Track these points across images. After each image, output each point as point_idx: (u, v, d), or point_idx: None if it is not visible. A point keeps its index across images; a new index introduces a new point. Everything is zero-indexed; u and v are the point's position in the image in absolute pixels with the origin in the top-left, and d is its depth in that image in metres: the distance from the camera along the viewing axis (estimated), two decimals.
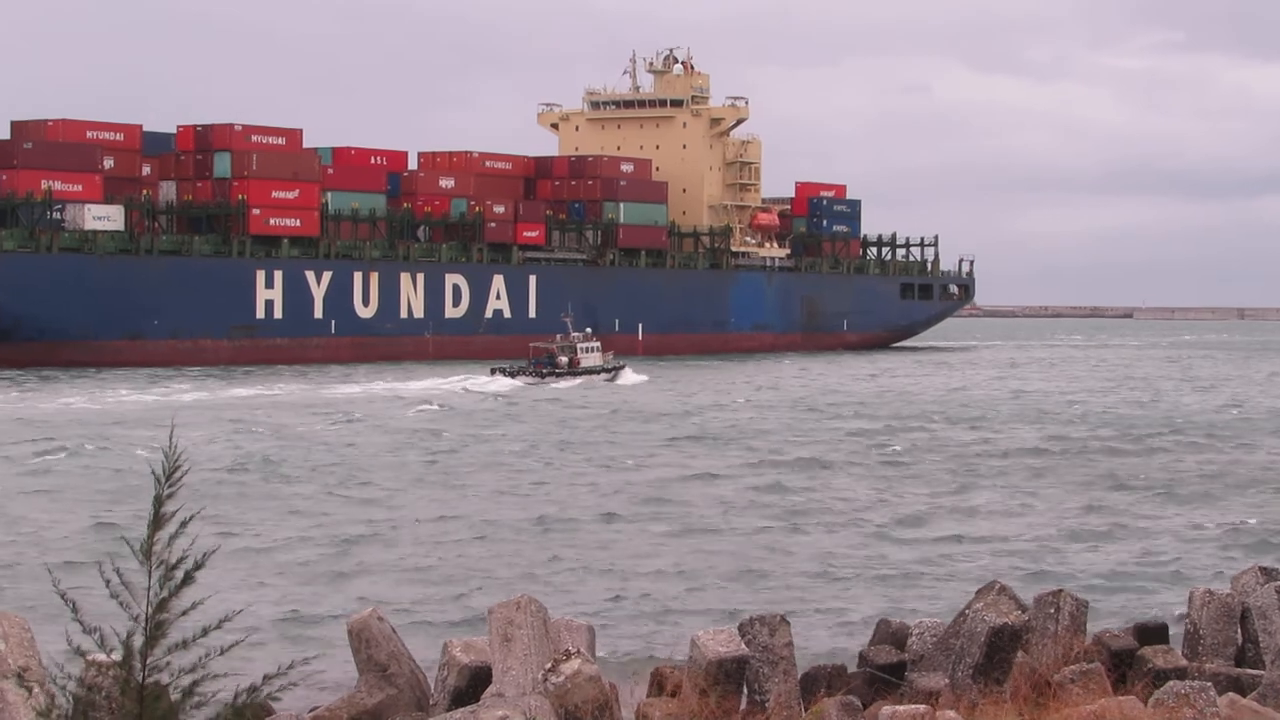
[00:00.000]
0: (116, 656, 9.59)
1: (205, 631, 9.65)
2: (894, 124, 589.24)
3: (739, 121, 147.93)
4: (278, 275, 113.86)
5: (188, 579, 9.65)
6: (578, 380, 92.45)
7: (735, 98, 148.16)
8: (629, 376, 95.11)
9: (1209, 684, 17.02)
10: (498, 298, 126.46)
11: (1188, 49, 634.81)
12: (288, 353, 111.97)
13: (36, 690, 13.12)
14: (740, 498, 44.77)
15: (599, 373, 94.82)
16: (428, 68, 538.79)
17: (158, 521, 9.82)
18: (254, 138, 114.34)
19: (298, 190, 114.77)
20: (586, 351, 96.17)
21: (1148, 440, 62.85)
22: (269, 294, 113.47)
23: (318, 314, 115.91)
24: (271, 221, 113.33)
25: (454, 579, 31.83)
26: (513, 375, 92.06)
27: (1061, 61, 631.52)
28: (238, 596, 27.74)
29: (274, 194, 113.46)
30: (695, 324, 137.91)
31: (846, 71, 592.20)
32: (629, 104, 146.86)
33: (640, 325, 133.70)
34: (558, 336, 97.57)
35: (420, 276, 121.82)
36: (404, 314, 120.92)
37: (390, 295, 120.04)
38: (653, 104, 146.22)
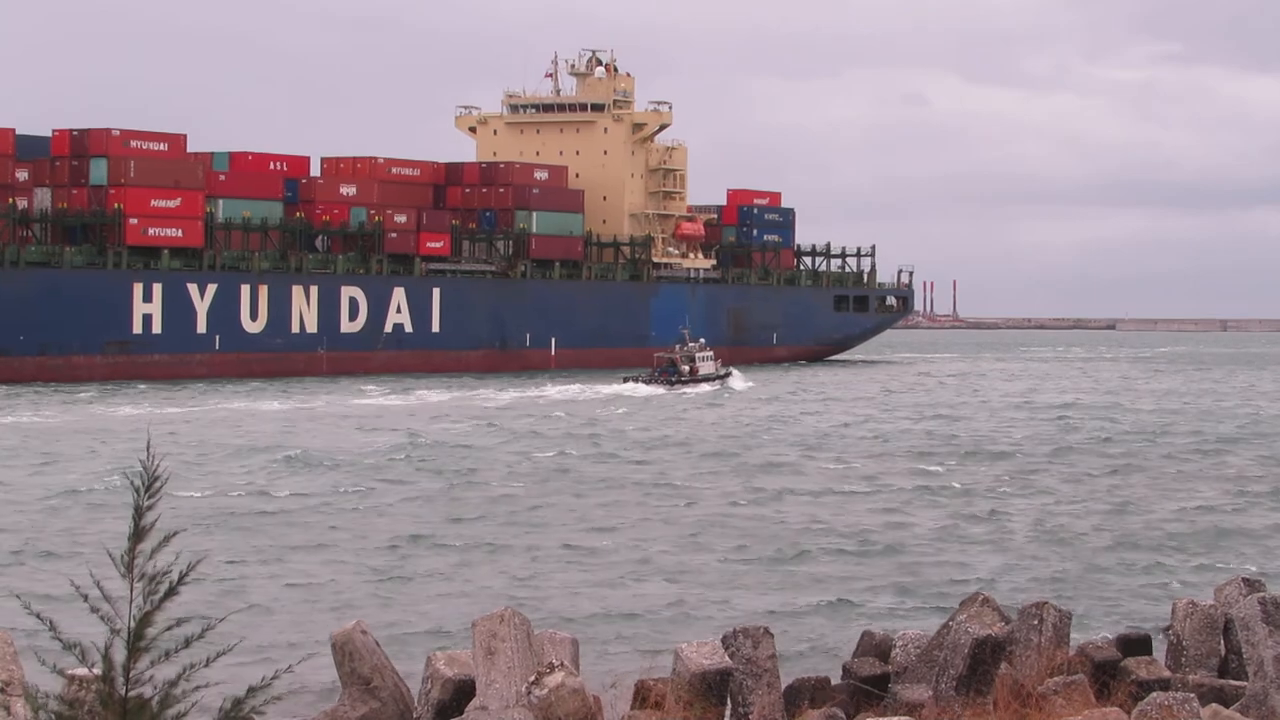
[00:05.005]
0: (98, 671, 10.10)
1: (188, 642, 10.05)
2: (888, 135, 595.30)
3: (662, 127, 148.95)
4: (156, 288, 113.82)
5: (170, 591, 10.12)
6: (700, 386, 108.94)
7: (659, 102, 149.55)
8: (737, 382, 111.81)
9: (1192, 695, 17.84)
10: (398, 311, 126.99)
11: (1185, 61, 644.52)
12: (167, 369, 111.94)
13: (18, 704, 14.16)
14: (727, 508, 46.96)
15: (714, 379, 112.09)
16: (381, 68, 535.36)
17: (138, 534, 10.74)
18: (133, 143, 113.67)
19: (180, 198, 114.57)
20: (702, 360, 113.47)
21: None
22: (147, 308, 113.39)
23: (200, 329, 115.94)
24: (150, 231, 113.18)
25: (438, 591, 33.31)
26: (646, 383, 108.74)
27: (1059, 73, 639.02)
28: (221, 608, 28.87)
29: (153, 203, 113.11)
30: (613, 338, 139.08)
31: (847, 82, 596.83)
32: (549, 108, 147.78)
33: (554, 340, 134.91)
34: (677, 347, 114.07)
35: (314, 289, 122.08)
36: (295, 329, 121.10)
37: (280, 309, 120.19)
38: (573, 108, 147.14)
